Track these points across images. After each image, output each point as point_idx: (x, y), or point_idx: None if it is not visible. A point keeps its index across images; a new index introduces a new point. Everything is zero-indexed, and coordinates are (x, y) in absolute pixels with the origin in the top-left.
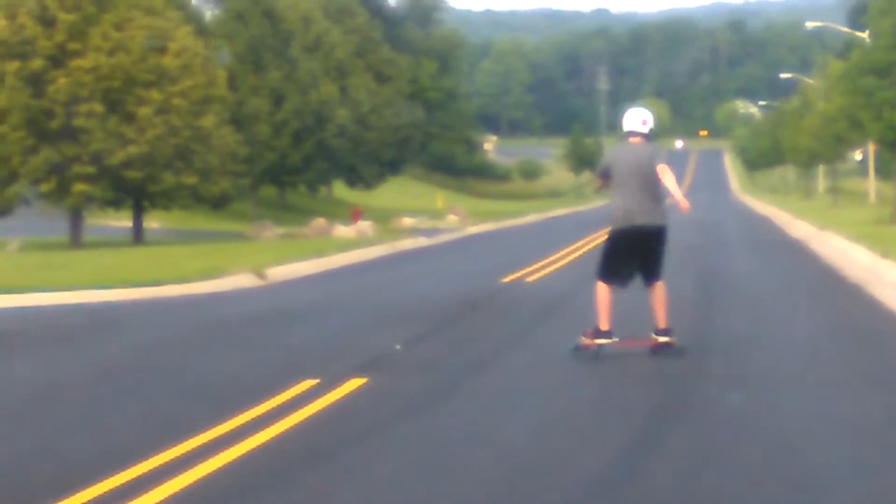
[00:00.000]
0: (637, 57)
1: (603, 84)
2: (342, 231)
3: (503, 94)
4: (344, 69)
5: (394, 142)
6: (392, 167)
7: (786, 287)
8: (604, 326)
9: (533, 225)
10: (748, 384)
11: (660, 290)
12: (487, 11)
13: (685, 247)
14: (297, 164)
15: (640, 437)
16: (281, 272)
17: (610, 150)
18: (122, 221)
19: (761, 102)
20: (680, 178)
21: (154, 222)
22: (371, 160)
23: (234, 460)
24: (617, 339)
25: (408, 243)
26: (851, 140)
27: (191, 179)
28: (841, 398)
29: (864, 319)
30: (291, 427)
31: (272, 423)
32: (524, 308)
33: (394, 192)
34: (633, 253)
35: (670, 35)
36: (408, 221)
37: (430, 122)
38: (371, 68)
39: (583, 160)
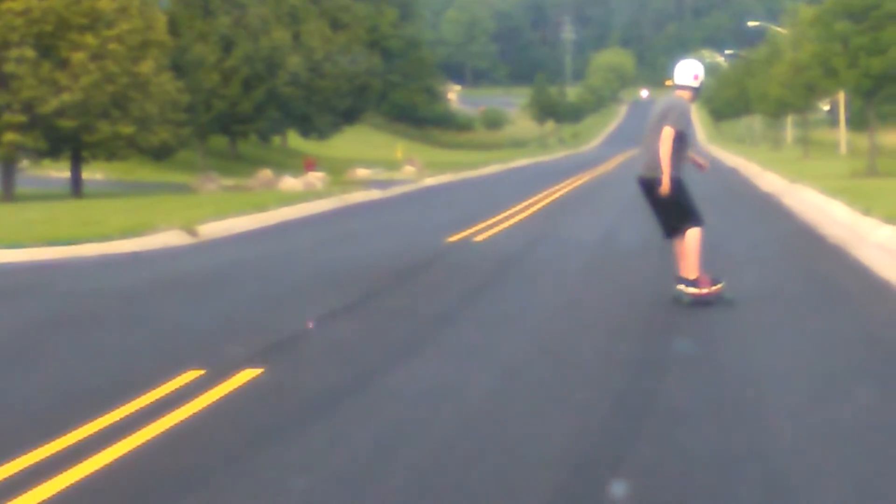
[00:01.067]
0: (602, 6)
1: (568, 33)
2: (289, 183)
3: (468, 44)
4: (297, 15)
5: (350, 90)
6: (348, 117)
7: (759, 249)
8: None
9: (493, 176)
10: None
11: (684, 241)
12: None
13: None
14: (247, 113)
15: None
16: (215, 228)
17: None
18: (64, 173)
19: (728, 52)
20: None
21: (98, 173)
22: (325, 109)
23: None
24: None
25: (358, 196)
26: (823, 89)
27: (128, 129)
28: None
29: (850, 286)
30: (148, 441)
31: (122, 437)
32: (467, 273)
33: (353, 142)
34: (651, 203)
35: None
36: (362, 173)
37: (390, 71)
38: (326, 15)
39: (546, 110)
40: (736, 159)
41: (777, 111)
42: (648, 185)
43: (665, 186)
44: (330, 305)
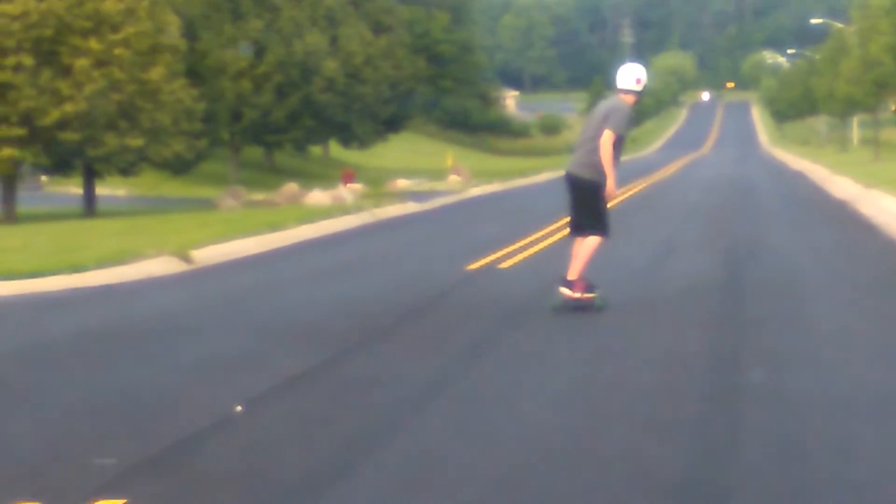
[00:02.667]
0: (662, 8)
1: (627, 37)
2: (316, 197)
3: (525, 49)
4: (334, 18)
5: (393, 96)
6: (392, 125)
7: (846, 279)
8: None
9: (543, 184)
10: None
11: (584, 244)
12: None
13: (710, 212)
14: (280, 123)
15: None
16: (214, 253)
17: None
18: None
19: (790, 51)
20: (707, 131)
21: (120, 189)
22: (366, 117)
23: None
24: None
25: (391, 210)
26: (895, 85)
27: (137, 141)
28: None
29: None
30: None
31: None
32: (475, 319)
33: (402, 150)
34: (571, 200)
35: None
36: (403, 184)
37: (442, 77)
38: (368, 17)
39: None
40: (801, 162)
41: (844, 111)
42: (574, 183)
43: (611, 189)
44: (284, 372)
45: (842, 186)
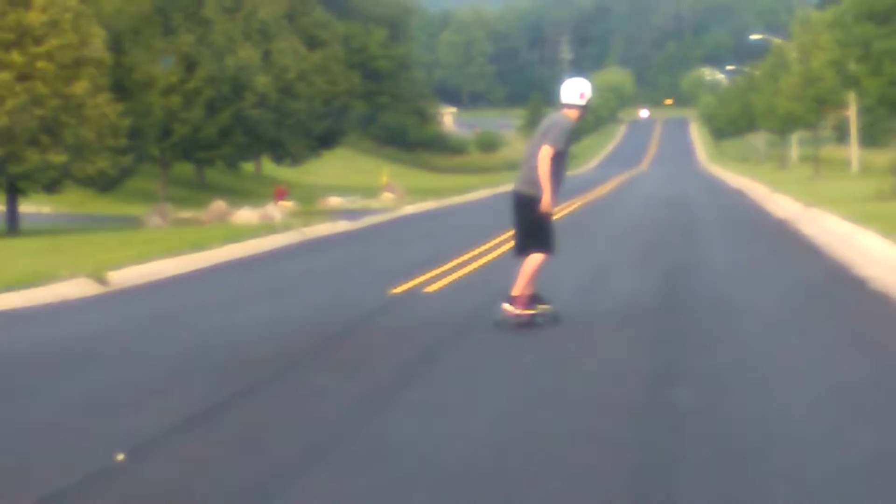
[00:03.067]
0: (601, 25)
1: (566, 53)
2: (244, 216)
3: (464, 65)
4: (268, 32)
5: (327, 112)
6: (326, 141)
7: (786, 304)
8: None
9: (479, 202)
10: None
11: (530, 261)
12: None
13: (649, 231)
14: (211, 138)
15: None
16: (131, 275)
17: None
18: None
19: (729, 67)
20: (645, 148)
21: (46, 206)
22: (299, 133)
23: None
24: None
25: (321, 229)
26: (836, 101)
27: (60, 158)
28: None
29: None
30: None
31: None
32: (391, 353)
33: (337, 167)
34: (515, 218)
35: (635, 2)
36: (335, 201)
37: (379, 93)
38: (302, 32)
39: None
40: (740, 180)
41: (784, 127)
42: (518, 200)
43: (546, 205)
44: (185, 408)
45: (782, 205)
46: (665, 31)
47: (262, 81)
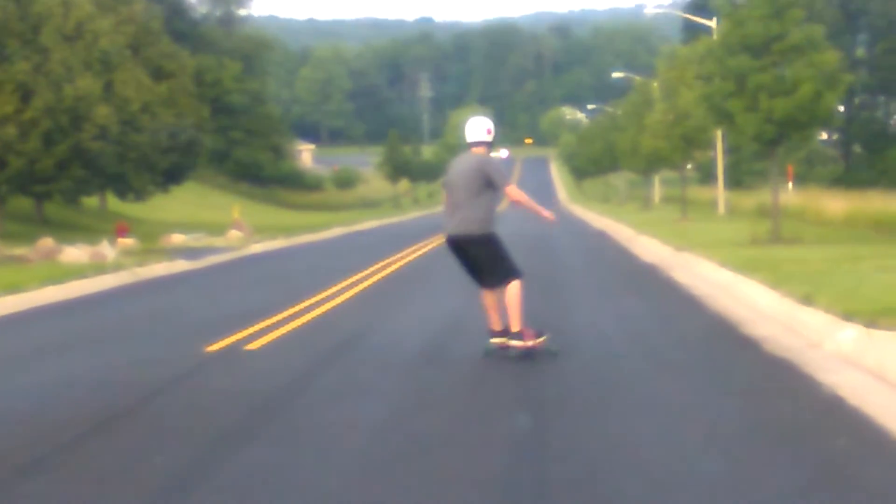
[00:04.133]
0: (461, 63)
1: (425, 90)
2: (72, 254)
3: (323, 102)
4: (109, 62)
5: (174, 146)
6: (172, 176)
7: (667, 372)
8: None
9: (331, 241)
10: None
11: (506, 296)
12: (310, 20)
13: None
14: (48, 171)
15: None
16: None
17: (452, 161)
18: None
19: (590, 106)
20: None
21: None
22: (142, 167)
23: None
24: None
25: (156, 269)
26: (701, 140)
27: None
28: None
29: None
30: None
31: None
32: (186, 435)
33: (189, 203)
34: (464, 260)
35: (494, 41)
36: (177, 239)
37: (233, 127)
38: (148, 62)
39: (399, 168)
40: (603, 220)
41: (648, 167)
42: (467, 242)
43: (547, 214)
44: None
45: (649, 248)
46: (525, 70)
47: (102, 113)
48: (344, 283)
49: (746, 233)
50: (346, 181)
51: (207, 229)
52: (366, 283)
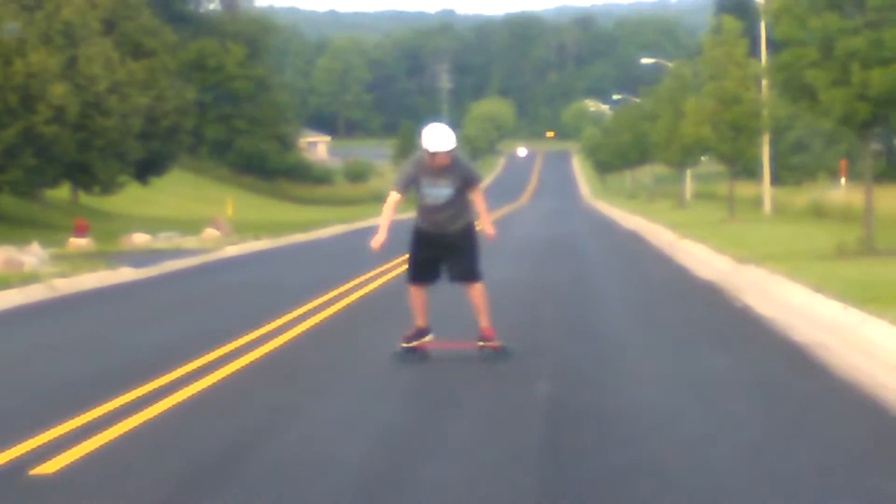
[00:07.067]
0: (481, 55)
1: (445, 82)
2: None
3: (341, 93)
4: (73, 35)
5: (154, 133)
6: (149, 166)
7: None
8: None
9: (324, 242)
10: None
11: (476, 295)
12: (331, 12)
13: (523, 305)
14: None
15: None
16: None
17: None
18: None
19: (616, 97)
20: (525, 182)
21: None
22: (109, 155)
23: None
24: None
25: (86, 281)
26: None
27: None
28: None
29: None
30: None
31: None
32: None
33: (183, 196)
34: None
35: (516, 32)
36: (141, 239)
37: (236, 116)
38: (126, 38)
39: None
40: (633, 219)
41: (684, 160)
42: (454, 236)
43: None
44: None
45: (700, 258)
46: (547, 62)
47: (58, 92)
48: (283, 319)
49: (821, 240)
50: (357, 174)
51: (189, 227)
52: (312, 320)
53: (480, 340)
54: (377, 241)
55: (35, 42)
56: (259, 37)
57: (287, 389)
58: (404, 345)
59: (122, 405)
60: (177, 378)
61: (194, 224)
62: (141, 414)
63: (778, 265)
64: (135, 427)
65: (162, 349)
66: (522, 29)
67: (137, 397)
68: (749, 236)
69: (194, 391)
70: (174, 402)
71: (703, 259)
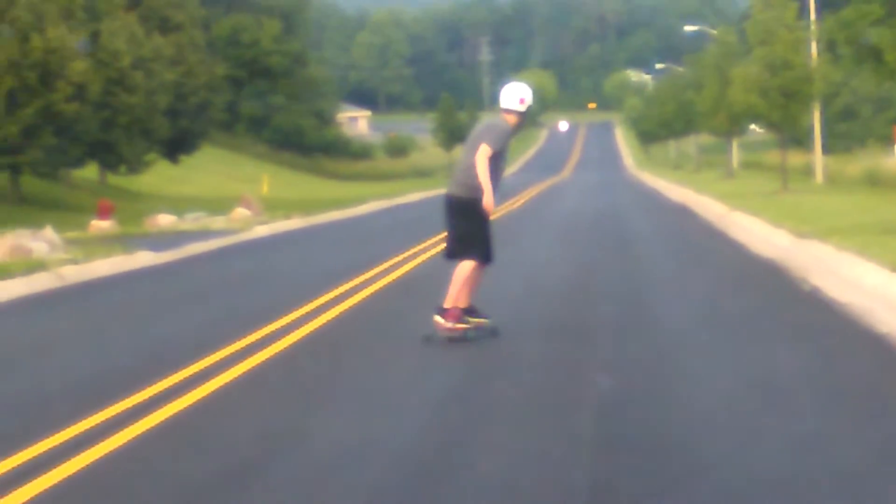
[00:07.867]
0: (521, 27)
1: (485, 55)
2: None
3: (381, 68)
4: (96, 9)
5: (184, 109)
6: (178, 144)
7: None
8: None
9: (360, 220)
10: None
11: (461, 269)
12: None
13: (564, 297)
14: (14, 140)
15: None
16: None
17: None
18: None
19: (659, 66)
20: (568, 153)
21: None
22: (135, 134)
23: None
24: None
25: (98, 268)
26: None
27: None
28: None
29: None
30: None
31: None
32: None
33: (219, 174)
34: (449, 223)
35: (556, 4)
36: (166, 220)
37: (272, 91)
38: (152, 13)
39: (454, 135)
40: (680, 191)
41: (731, 129)
42: (451, 204)
43: (487, 205)
44: None
45: (755, 232)
46: (588, 32)
47: (78, 69)
48: (304, 309)
49: (886, 211)
50: (398, 149)
51: (219, 206)
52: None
53: (438, 314)
54: (492, 202)
55: (55, 17)
56: (294, 11)
57: (293, 403)
58: (460, 325)
59: (99, 423)
60: (155, 395)
61: (226, 203)
62: (139, 424)
63: (845, 240)
64: (124, 443)
65: (161, 349)
66: (562, 0)
67: (120, 411)
68: (805, 208)
69: (167, 415)
70: (175, 408)
71: (758, 234)
